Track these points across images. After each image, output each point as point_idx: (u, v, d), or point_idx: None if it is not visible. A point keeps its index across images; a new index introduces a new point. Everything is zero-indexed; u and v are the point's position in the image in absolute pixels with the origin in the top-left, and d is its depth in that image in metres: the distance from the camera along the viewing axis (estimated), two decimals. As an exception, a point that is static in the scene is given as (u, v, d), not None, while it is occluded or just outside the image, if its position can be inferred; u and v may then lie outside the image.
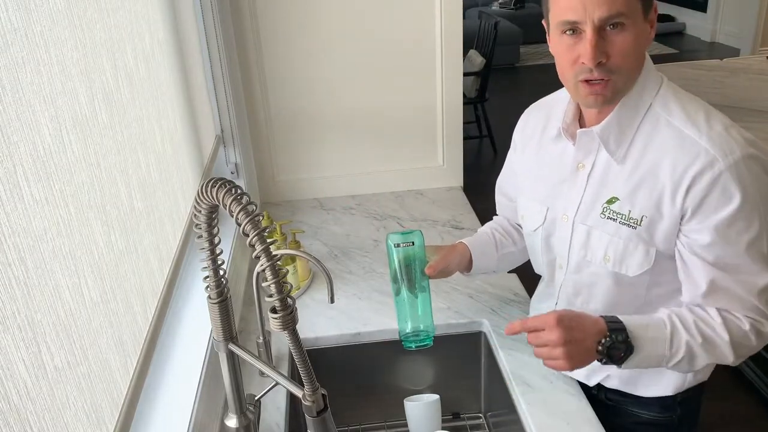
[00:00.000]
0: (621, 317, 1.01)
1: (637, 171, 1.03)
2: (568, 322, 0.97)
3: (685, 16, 8.31)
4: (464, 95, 2.22)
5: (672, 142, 1.00)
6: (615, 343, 0.97)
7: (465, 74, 3.29)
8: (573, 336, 0.97)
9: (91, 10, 0.87)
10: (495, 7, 8.55)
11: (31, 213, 0.64)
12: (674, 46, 7.75)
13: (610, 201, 1.06)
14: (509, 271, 1.57)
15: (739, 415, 2.37)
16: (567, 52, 0.99)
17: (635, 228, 1.04)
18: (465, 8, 4.13)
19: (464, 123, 2.15)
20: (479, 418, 1.53)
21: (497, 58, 4.53)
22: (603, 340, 0.98)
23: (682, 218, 1.00)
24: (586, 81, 0.98)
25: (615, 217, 1.06)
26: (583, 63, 0.96)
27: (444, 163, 2.14)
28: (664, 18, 8.47)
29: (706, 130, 0.98)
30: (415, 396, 1.41)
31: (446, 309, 1.48)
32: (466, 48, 4.38)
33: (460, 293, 1.54)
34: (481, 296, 1.53)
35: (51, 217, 0.68)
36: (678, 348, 1.00)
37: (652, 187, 1.01)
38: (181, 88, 1.38)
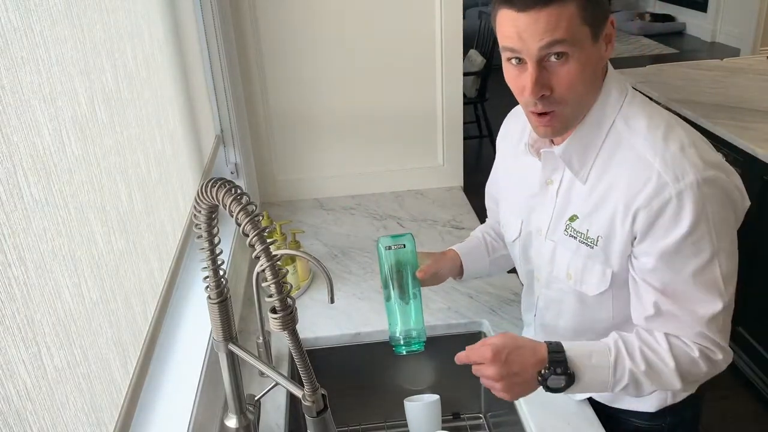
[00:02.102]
0: (566, 345, 0.99)
1: (596, 190, 1.01)
2: (505, 356, 0.96)
3: (685, 16, 8.31)
4: (464, 95, 2.22)
5: (628, 163, 0.97)
6: (554, 375, 0.96)
7: (465, 74, 3.28)
8: (510, 370, 0.96)
9: (91, 10, 0.87)
10: (491, 11, 8.53)
11: (31, 213, 0.64)
12: (674, 46, 7.75)
13: (572, 218, 1.05)
14: (509, 271, 1.57)
15: (739, 414, 2.37)
16: (513, 81, 0.96)
17: (593, 248, 1.03)
18: (465, 8, 4.12)
19: (464, 123, 2.15)
20: (479, 418, 1.53)
21: (497, 58, 4.52)
22: (543, 371, 0.97)
23: (633, 241, 0.98)
24: (534, 112, 0.97)
25: (575, 235, 1.05)
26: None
27: (444, 163, 2.14)
28: (664, 18, 8.47)
29: (661, 151, 0.94)
30: (415, 396, 1.41)
31: (446, 309, 1.48)
32: (466, 48, 4.38)
33: (460, 293, 1.54)
34: (481, 296, 1.53)
35: (51, 217, 0.68)
36: (621, 375, 0.98)
37: (607, 208, 0.99)
38: (181, 88, 1.38)
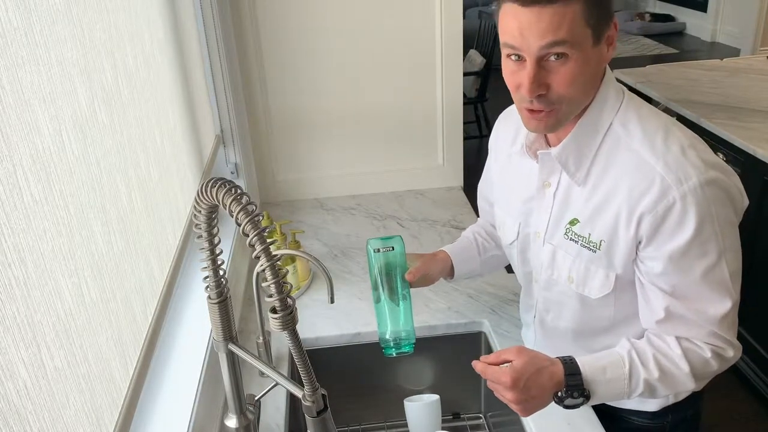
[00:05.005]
0: (580, 362, 0.99)
1: (596, 194, 1.01)
2: (524, 383, 0.96)
3: (686, 16, 8.31)
4: (464, 95, 2.22)
5: (629, 166, 0.97)
6: (570, 398, 0.97)
7: (465, 74, 3.28)
8: (528, 394, 0.97)
9: (91, 10, 0.87)
10: (495, 7, 8.55)
11: (31, 213, 0.64)
12: (674, 46, 7.75)
13: (572, 222, 1.05)
14: (509, 272, 1.57)
15: (739, 414, 2.37)
16: (510, 77, 0.96)
17: (595, 252, 1.02)
18: (465, 8, 4.12)
19: (464, 123, 2.15)
20: (479, 418, 1.53)
21: (497, 58, 4.53)
22: (560, 393, 0.97)
23: (638, 245, 0.98)
24: (527, 109, 0.96)
25: (576, 239, 1.04)
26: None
27: (444, 163, 2.14)
28: (664, 18, 8.47)
29: (663, 154, 0.94)
30: (415, 396, 1.41)
31: (446, 309, 1.48)
32: (466, 48, 4.38)
33: (460, 293, 1.54)
34: (481, 296, 1.53)
35: (51, 217, 0.68)
36: (636, 384, 0.99)
37: (610, 212, 0.99)
38: (181, 88, 1.38)
